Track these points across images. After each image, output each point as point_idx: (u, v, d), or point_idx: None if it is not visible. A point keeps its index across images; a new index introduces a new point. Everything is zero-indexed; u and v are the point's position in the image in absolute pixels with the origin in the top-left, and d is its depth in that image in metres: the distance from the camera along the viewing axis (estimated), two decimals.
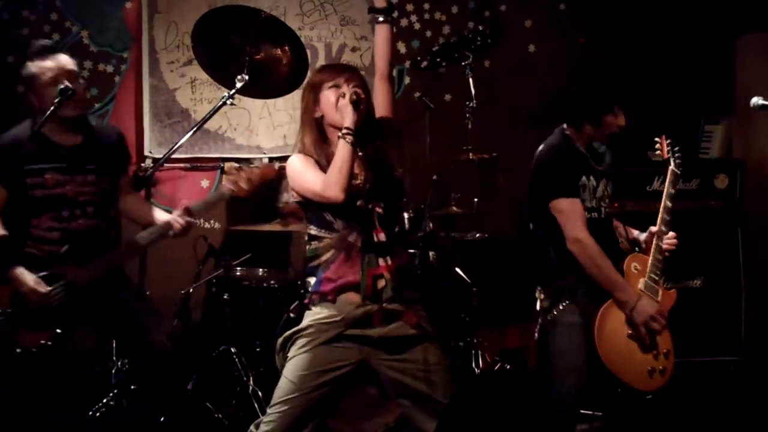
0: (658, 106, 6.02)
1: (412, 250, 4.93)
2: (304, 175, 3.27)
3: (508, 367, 4.92)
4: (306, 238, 3.41)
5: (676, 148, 4.03)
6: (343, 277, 3.26)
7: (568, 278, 3.60)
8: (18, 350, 3.69)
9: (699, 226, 5.42)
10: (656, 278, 3.66)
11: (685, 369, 5.10)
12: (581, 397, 3.62)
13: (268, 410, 3.29)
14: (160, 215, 4.00)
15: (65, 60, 3.84)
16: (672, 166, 3.94)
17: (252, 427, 3.34)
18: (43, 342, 3.71)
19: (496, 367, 4.93)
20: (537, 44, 6.08)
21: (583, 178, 3.67)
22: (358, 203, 3.24)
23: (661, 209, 3.80)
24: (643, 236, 3.87)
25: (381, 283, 3.25)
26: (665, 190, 3.87)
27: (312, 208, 3.32)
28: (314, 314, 3.30)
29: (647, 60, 6.05)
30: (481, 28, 5.01)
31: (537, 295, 3.72)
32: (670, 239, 3.79)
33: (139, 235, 3.97)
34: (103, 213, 3.94)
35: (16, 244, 3.80)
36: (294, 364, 3.26)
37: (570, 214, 3.57)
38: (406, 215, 4.96)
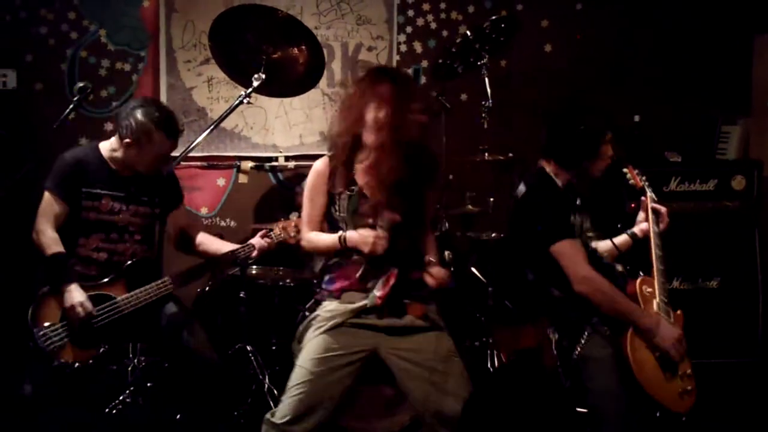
0: (675, 106, 6.01)
1: None
2: (305, 200, 3.50)
3: (523, 366, 4.90)
4: None
5: (644, 177, 4.01)
6: (348, 280, 3.41)
7: (579, 312, 3.54)
8: (60, 361, 3.77)
9: (716, 227, 5.41)
10: (666, 300, 3.65)
11: (702, 370, 5.09)
12: (628, 414, 3.50)
13: (283, 397, 3.36)
14: (229, 245, 4.22)
15: (176, 142, 4.03)
16: (650, 194, 3.93)
17: (268, 415, 3.41)
18: (83, 360, 3.81)
19: (511, 367, 4.91)
20: (553, 44, 6.07)
21: (572, 217, 3.66)
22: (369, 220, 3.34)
23: (653, 242, 3.78)
24: (638, 227, 3.89)
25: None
26: (650, 221, 3.85)
27: (328, 213, 3.44)
28: (324, 306, 3.44)
29: (664, 60, 6.04)
30: (495, 18, 4.99)
31: (551, 336, 3.64)
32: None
33: (230, 250, 4.17)
34: (149, 241, 4.11)
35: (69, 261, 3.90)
36: (306, 350, 3.37)
37: (572, 254, 3.53)
38: None
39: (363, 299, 3.38)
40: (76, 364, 3.79)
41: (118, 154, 3.96)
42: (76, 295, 3.77)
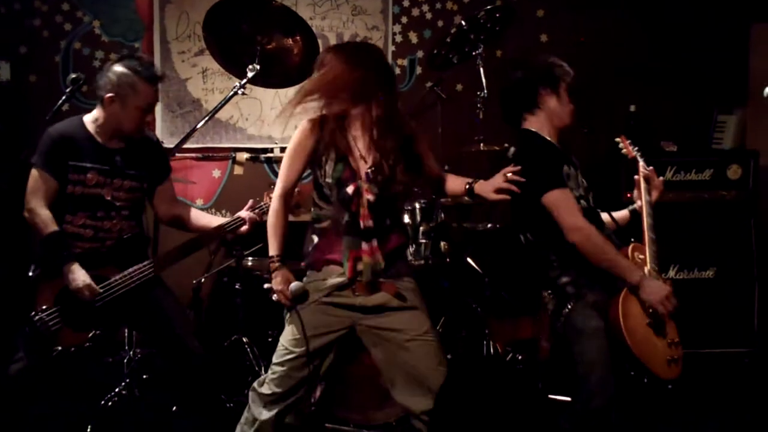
0: (671, 96, 6.01)
1: (423, 241, 4.91)
2: (284, 159, 3.49)
3: (520, 357, 4.90)
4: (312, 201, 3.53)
5: (636, 148, 3.96)
6: (330, 252, 3.40)
7: (571, 274, 3.53)
8: (58, 348, 3.74)
9: (712, 217, 5.41)
10: (657, 268, 3.62)
11: (698, 360, 5.10)
12: (615, 388, 3.46)
13: (269, 370, 3.43)
14: (218, 219, 4.12)
15: (158, 91, 3.96)
16: (641, 164, 3.89)
17: (255, 384, 3.47)
18: (79, 343, 3.78)
19: (507, 358, 4.91)
20: (549, 34, 6.07)
21: (565, 167, 3.61)
22: (350, 188, 3.33)
23: (644, 210, 3.76)
24: (629, 209, 3.87)
25: (360, 266, 3.33)
26: (642, 190, 3.81)
27: (315, 177, 3.46)
28: (304, 279, 3.45)
29: (660, 50, 6.03)
30: (490, 7, 4.98)
31: (545, 299, 3.63)
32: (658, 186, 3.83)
33: (218, 224, 4.07)
34: (137, 217, 4.05)
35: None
36: (287, 329, 3.42)
37: (564, 204, 3.48)
38: (417, 205, 4.93)
39: (340, 275, 3.37)
40: (72, 348, 3.77)
41: (102, 122, 3.88)
42: (80, 275, 3.73)
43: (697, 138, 5.92)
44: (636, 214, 3.83)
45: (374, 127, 3.40)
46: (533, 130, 3.71)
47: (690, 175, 5.46)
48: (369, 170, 3.36)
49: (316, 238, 3.45)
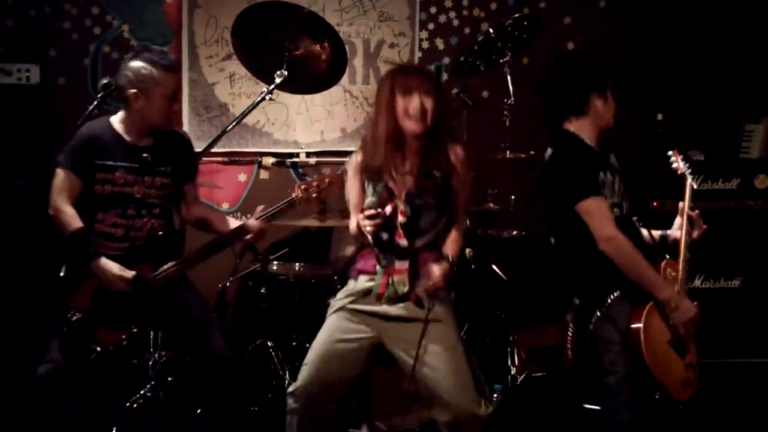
0: (698, 104, 5.97)
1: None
2: (348, 193, 3.62)
3: (544, 365, 4.89)
4: None
5: (687, 164, 3.91)
6: (365, 264, 3.52)
7: (602, 284, 3.49)
8: (97, 349, 3.78)
9: (738, 226, 5.37)
10: (686, 288, 3.59)
11: (723, 369, 5.07)
12: (643, 401, 3.45)
13: (301, 369, 3.48)
14: (234, 222, 4.12)
15: (181, 79, 3.95)
16: (690, 181, 3.84)
17: (290, 388, 3.52)
18: (117, 342, 3.81)
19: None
20: (576, 42, 6.05)
21: (601, 173, 3.56)
22: (388, 207, 3.36)
23: (683, 231, 3.73)
24: (673, 233, 3.80)
25: (391, 282, 3.41)
26: (685, 205, 3.77)
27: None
28: (345, 287, 3.59)
29: (687, 58, 6.00)
30: (518, 15, 4.97)
31: (574, 306, 3.60)
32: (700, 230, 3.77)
33: (231, 229, 4.06)
34: (168, 215, 4.07)
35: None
36: (320, 331, 3.49)
37: (598, 212, 3.44)
38: None
39: (369, 281, 3.47)
40: (111, 347, 3.79)
41: (130, 120, 3.92)
42: (110, 266, 3.77)
43: (724, 147, 5.88)
44: (665, 241, 3.79)
45: (415, 149, 3.49)
46: (573, 131, 3.67)
47: (717, 184, 5.43)
48: (406, 192, 3.44)
49: (359, 254, 3.57)
